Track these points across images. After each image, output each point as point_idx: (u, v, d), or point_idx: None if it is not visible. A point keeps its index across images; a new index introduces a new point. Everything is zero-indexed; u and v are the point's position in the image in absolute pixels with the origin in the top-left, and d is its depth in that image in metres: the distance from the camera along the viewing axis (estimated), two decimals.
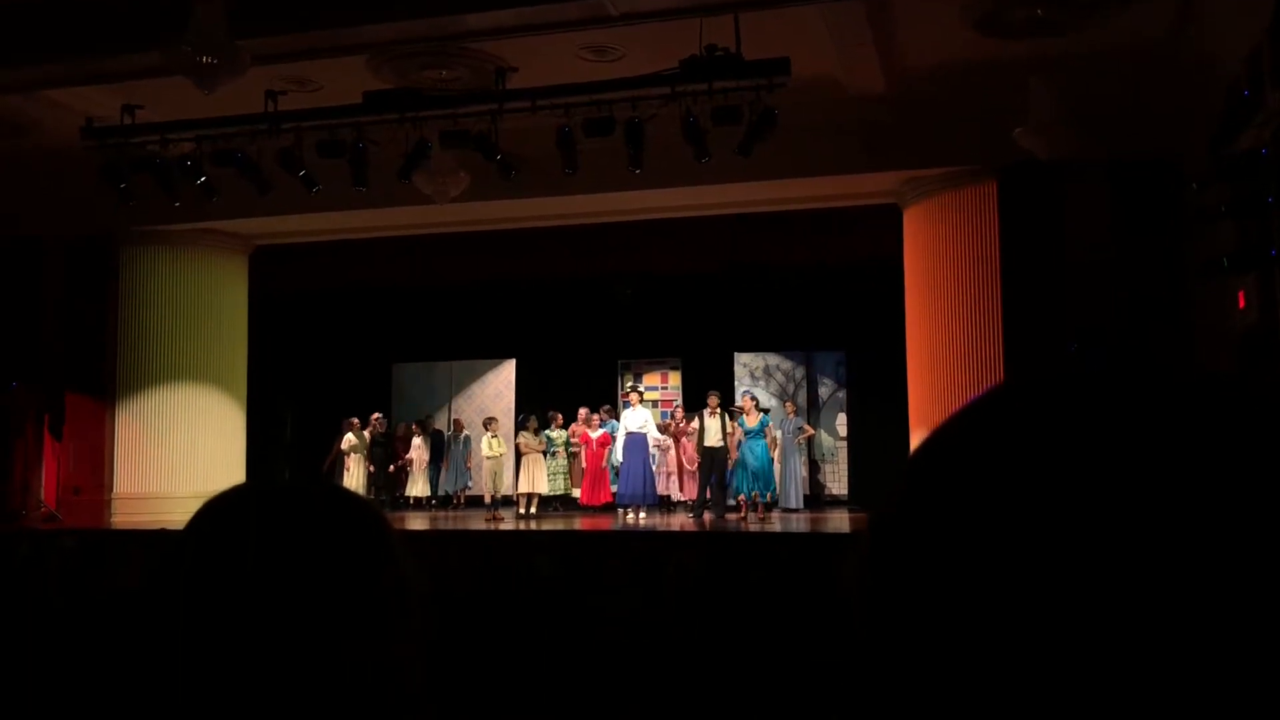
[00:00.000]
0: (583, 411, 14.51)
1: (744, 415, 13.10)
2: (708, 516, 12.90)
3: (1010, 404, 0.50)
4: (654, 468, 14.12)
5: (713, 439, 13.19)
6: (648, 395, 17.51)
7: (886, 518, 0.51)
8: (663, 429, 14.92)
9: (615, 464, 14.78)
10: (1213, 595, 0.42)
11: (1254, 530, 0.42)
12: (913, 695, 0.46)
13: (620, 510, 13.51)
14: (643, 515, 13.16)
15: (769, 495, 13.13)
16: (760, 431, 12.95)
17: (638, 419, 13.65)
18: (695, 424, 13.56)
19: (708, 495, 13.27)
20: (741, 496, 12.95)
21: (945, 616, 0.46)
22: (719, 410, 13.23)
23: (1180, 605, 0.42)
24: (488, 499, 14.27)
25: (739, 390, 15.67)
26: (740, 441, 13.06)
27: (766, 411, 14.71)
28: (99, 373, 13.09)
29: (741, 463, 12.93)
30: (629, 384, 14.05)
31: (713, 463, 13.21)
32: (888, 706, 0.47)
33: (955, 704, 0.45)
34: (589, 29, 9.15)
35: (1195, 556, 0.42)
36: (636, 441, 13.43)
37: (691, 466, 14.36)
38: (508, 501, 14.12)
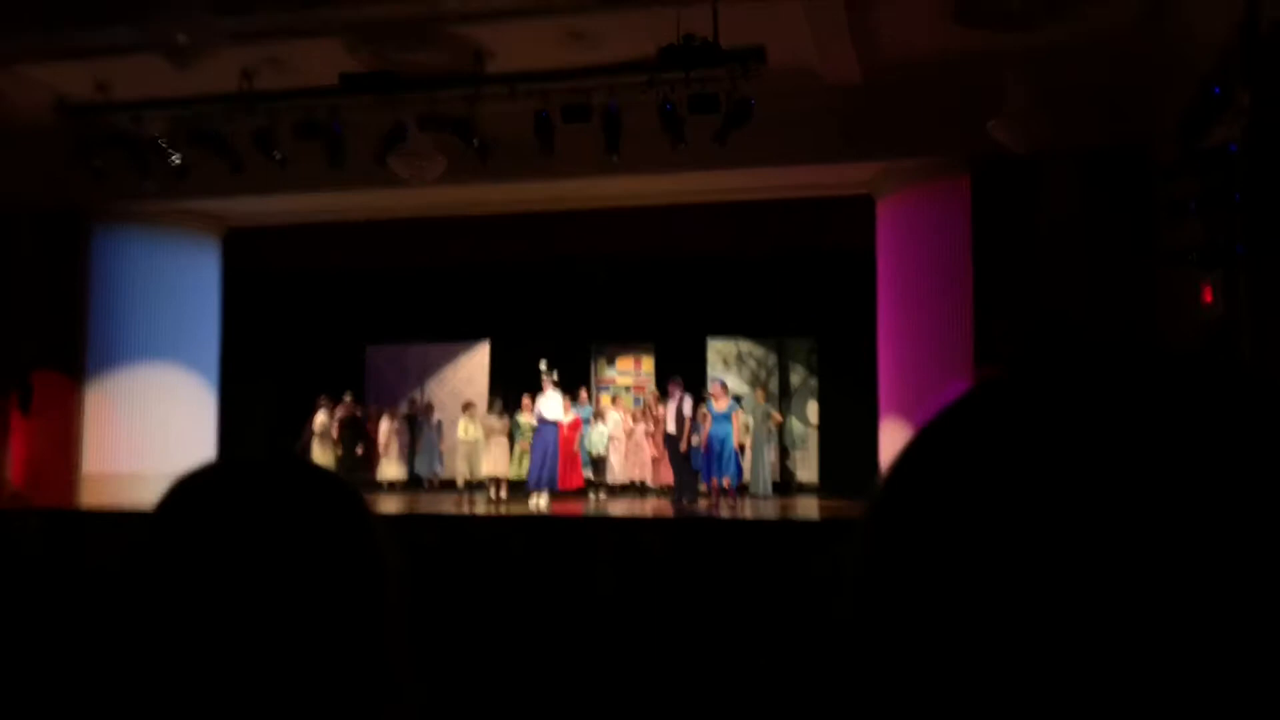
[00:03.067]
0: (526, 399, 14.25)
1: (713, 400, 13.11)
2: (686, 501, 12.91)
3: (1000, 396, 0.50)
4: (605, 452, 14.20)
5: (670, 425, 13.24)
6: (620, 380, 17.52)
7: (883, 512, 0.50)
8: (638, 415, 14.92)
9: (589, 449, 14.78)
10: (1215, 585, 0.41)
11: (1246, 513, 0.42)
12: (907, 688, 0.46)
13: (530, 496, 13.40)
14: (543, 503, 13.13)
15: (736, 481, 13.10)
16: (728, 417, 12.96)
17: (550, 406, 13.51)
18: (664, 409, 13.51)
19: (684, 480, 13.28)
20: (714, 481, 12.95)
21: (944, 611, 0.45)
22: (679, 396, 13.21)
23: (1184, 595, 0.42)
24: (460, 483, 14.21)
25: (710, 376, 15.69)
26: (708, 428, 13.06)
27: (738, 399, 14.74)
28: (69, 350, 12.94)
29: (710, 448, 12.94)
30: (543, 366, 13.84)
31: (673, 449, 13.24)
32: (879, 698, 0.47)
33: (951, 697, 0.44)
34: (568, 15, 9.12)
35: (1197, 550, 0.42)
36: (545, 429, 13.35)
37: (656, 453, 14.37)
38: (481, 486, 14.07)
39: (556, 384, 13.61)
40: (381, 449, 16.01)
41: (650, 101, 9.46)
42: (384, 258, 15.28)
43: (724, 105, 9.35)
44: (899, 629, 0.46)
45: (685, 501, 12.85)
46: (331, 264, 15.53)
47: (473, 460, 14.10)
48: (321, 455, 14.91)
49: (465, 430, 14.21)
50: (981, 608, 0.44)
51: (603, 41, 9.84)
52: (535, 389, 13.88)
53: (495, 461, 13.81)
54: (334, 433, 15.24)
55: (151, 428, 12.89)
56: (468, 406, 14.52)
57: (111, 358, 12.97)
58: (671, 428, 13.19)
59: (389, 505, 13.60)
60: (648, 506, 12.84)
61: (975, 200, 10.79)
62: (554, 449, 13.40)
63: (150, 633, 0.88)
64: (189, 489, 0.95)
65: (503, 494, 13.82)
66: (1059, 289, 10.20)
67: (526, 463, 13.96)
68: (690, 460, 13.13)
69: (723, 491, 12.88)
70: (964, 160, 10.70)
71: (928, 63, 10.12)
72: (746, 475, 14.27)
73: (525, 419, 14.11)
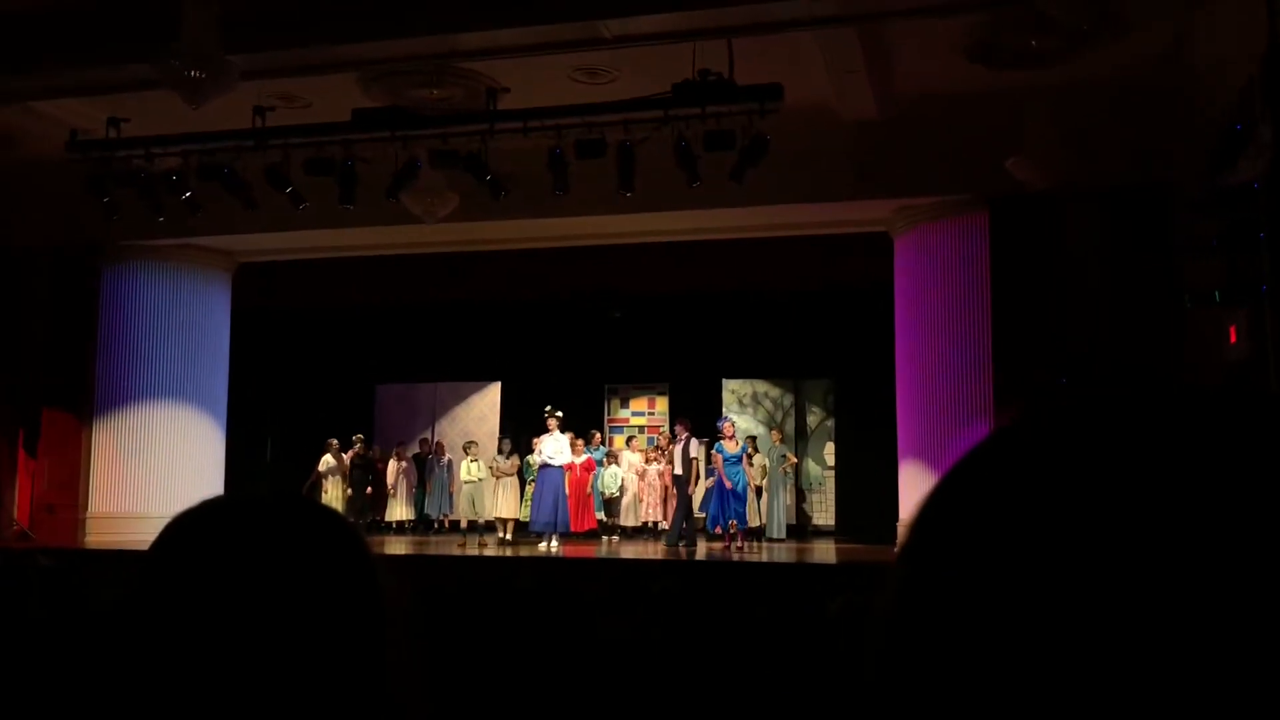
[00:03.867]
0: (537, 440, 14.17)
1: (723, 441, 13.06)
2: (682, 548, 12.79)
3: (1031, 437, 0.49)
4: (618, 493, 14.15)
5: (678, 466, 13.17)
6: (634, 420, 17.49)
7: (913, 560, 0.49)
8: (651, 456, 14.87)
9: (601, 490, 14.73)
10: (1265, 637, 0.40)
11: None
12: None
13: (539, 539, 13.31)
14: (554, 544, 13.04)
15: (744, 524, 12.97)
16: (739, 459, 12.89)
17: (554, 447, 13.36)
18: (676, 449, 13.44)
19: (683, 525, 13.21)
20: (726, 524, 12.86)
21: (980, 665, 0.44)
22: (685, 438, 13.15)
23: (1231, 646, 0.40)
24: (464, 524, 14.16)
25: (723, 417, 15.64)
26: (718, 470, 12.99)
27: (754, 439, 14.68)
28: (78, 388, 13.00)
29: (719, 490, 12.87)
30: (548, 408, 13.71)
31: (681, 492, 13.17)
32: None
33: None
34: (582, 50, 9.19)
35: (1243, 602, 0.41)
36: (549, 471, 13.23)
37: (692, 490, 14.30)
38: (490, 528, 14.01)
39: (561, 424, 13.51)
40: (390, 489, 15.99)
41: (665, 138, 9.50)
42: (395, 295, 15.35)
43: (739, 142, 9.38)
44: (932, 683, 0.45)
45: (681, 546, 12.74)
46: (342, 301, 15.61)
47: (476, 501, 14.06)
48: (332, 496, 14.90)
49: (468, 471, 14.17)
50: (1020, 660, 0.43)
51: (617, 77, 9.92)
52: (542, 429, 13.84)
53: (504, 503, 13.76)
54: (344, 473, 15.24)
55: (158, 468, 12.91)
56: (469, 447, 14.49)
57: (120, 396, 13.02)
58: (678, 469, 13.13)
59: (396, 546, 13.57)
60: (660, 549, 12.75)
61: (994, 238, 10.78)
62: (562, 491, 13.33)
63: (144, 674, 0.87)
64: (186, 527, 0.94)
65: (508, 535, 13.74)
66: (1081, 328, 10.16)
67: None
68: (687, 504, 13.07)
69: (732, 535, 12.80)
70: (983, 197, 10.70)
71: (945, 98, 10.16)
72: (761, 518, 14.20)
73: (536, 460, 14.07)
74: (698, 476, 13.26)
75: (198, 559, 0.90)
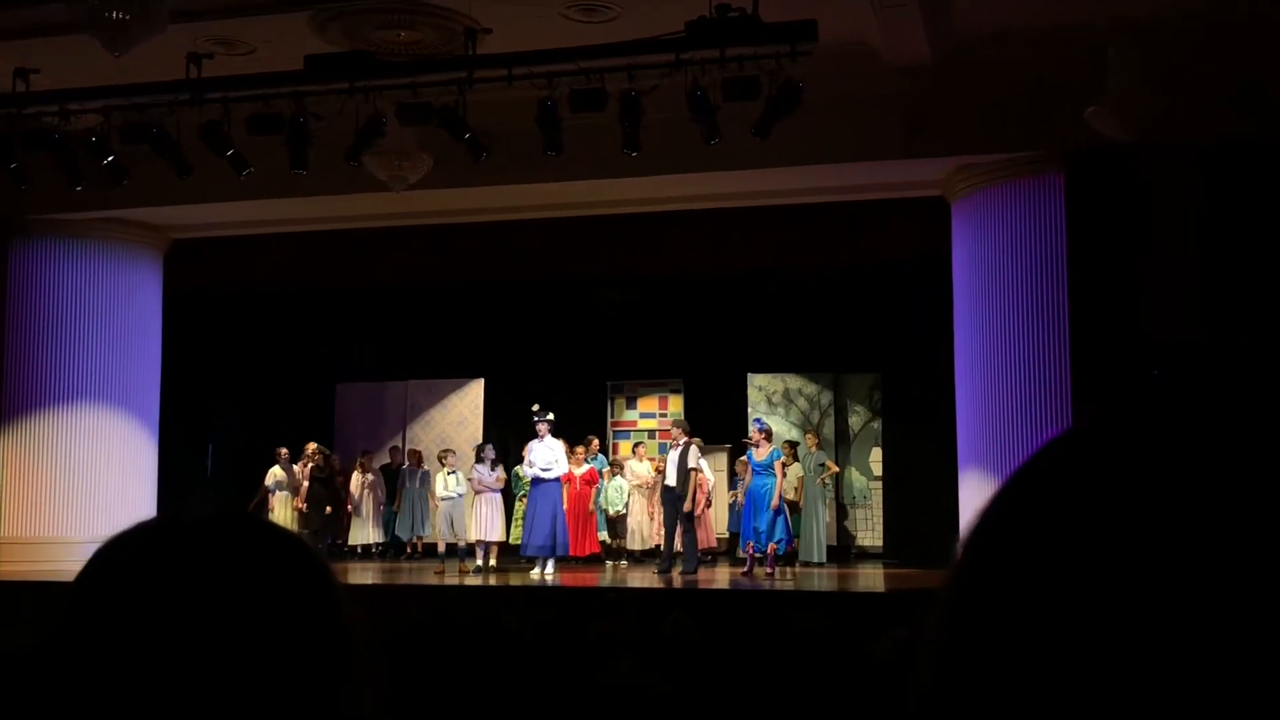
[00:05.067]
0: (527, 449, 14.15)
1: (752, 449, 13.08)
2: (676, 575, 12.80)
3: (1107, 443, 0.48)
4: (623, 510, 14.16)
5: (671, 477, 13.16)
6: (642, 424, 17.51)
7: (963, 587, 0.49)
8: (661, 467, 14.88)
9: (604, 506, 14.74)
10: None
11: None
12: None
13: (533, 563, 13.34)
14: (549, 570, 13.05)
15: (777, 545, 12.97)
16: (769, 467, 12.91)
17: (547, 456, 13.32)
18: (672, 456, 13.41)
19: (675, 547, 13.23)
20: (751, 545, 12.88)
21: (1042, 709, 0.44)
22: (684, 443, 13.14)
23: None
24: (442, 547, 14.18)
25: (751, 420, 15.66)
26: (747, 481, 13.03)
27: (794, 446, 14.69)
28: None
29: (748, 505, 12.90)
30: (535, 408, 13.65)
31: (673, 507, 13.18)
32: None
33: None
34: None
35: None
36: (543, 486, 13.23)
37: (695, 510, 14.32)
38: (472, 551, 14.02)
39: (553, 428, 13.46)
40: (354, 507, 16.03)
41: (677, 87, 9.49)
42: (357, 277, 15.37)
43: (766, 90, 9.37)
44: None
45: (682, 573, 12.76)
46: (294, 285, 15.62)
47: (455, 520, 14.07)
48: (282, 515, 14.94)
49: (445, 485, 14.18)
50: (1091, 706, 0.43)
51: (619, 14, 9.91)
52: (534, 435, 13.80)
53: (485, 522, 13.70)
54: (298, 489, 15.28)
55: (78, 483, 12.95)
56: (445, 456, 14.49)
57: (31, 399, 13.06)
58: (672, 480, 13.12)
59: (362, 575, 13.60)
60: (676, 576, 12.79)
61: (1071, 202, 10.76)
62: (559, 508, 13.33)
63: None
64: (117, 553, 0.95)
65: (492, 561, 13.73)
66: (1175, 309, 10.14)
67: None
68: (684, 522, 13.11)
69: (761, 558, 12.82)
70: (1058, 154, 10.68)
71: (1012, 39, 10.13)
72: (796, 540, 14.21)
73: (526, 472, 14.03)
74: (695, 491, 13.21)
75: (131, 593, 0.91)
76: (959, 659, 0.48)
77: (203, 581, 0.91)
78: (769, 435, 13.40)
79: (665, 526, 13.75)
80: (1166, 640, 0.43)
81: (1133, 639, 0.43)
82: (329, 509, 15.75)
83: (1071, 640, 0.44)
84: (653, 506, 14.79)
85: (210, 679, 0.87)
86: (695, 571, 12.91)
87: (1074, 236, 10.75)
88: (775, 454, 13.18)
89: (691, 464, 13.04)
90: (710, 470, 14.86)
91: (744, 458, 13.18)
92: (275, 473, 15.18)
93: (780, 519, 12.98)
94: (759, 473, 12.90)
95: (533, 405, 13.66)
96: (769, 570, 12.74)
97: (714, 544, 15.06)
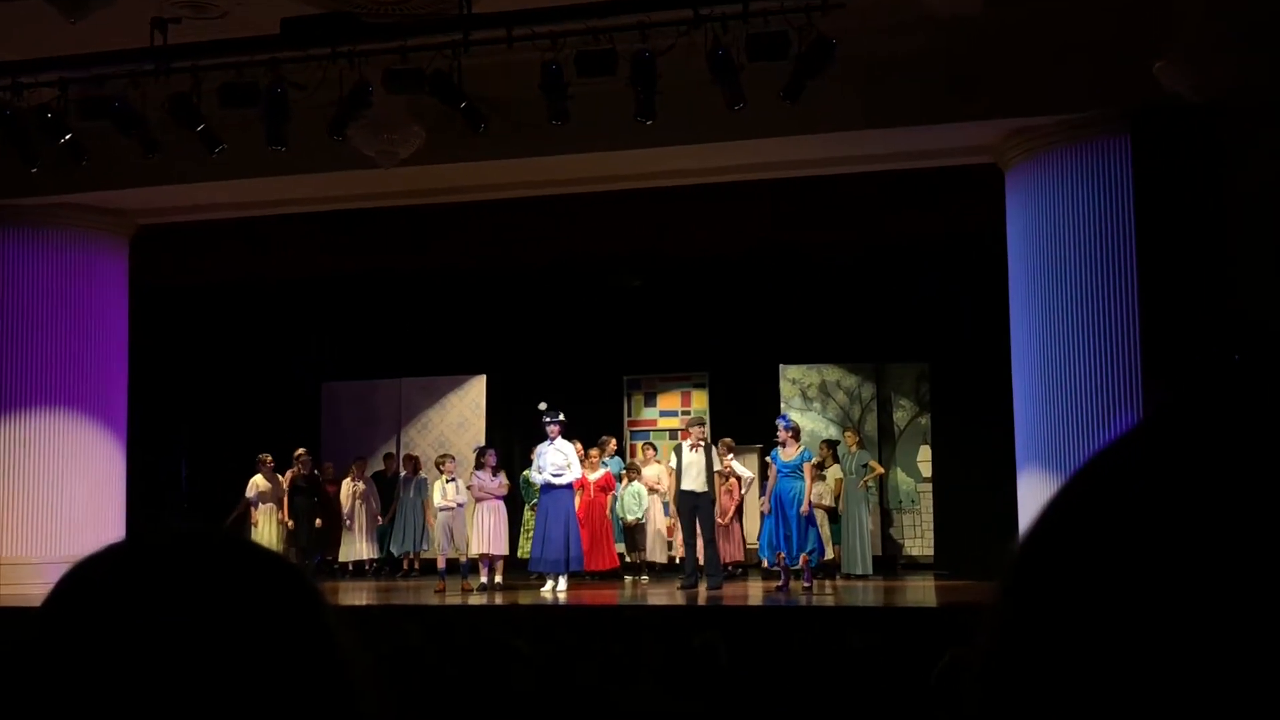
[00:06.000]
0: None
1: (779, 448, 13.08)
2: (702, 589, 12.82)
3: (1180, 434, 0.48)
4: (642, 518, 14.26)
5: (692, 481, 13.15)
6: (662, 423, 17.52)
7: (1018, 597, 0.49)
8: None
9: (621, 515, 14.76)
10: None
11: None
12: None
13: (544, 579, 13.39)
14: (562, 587, 13.07)
15: (809, 555, 12.95)
16: (797, 469, 12.91)
17: (558, 460, 13.33)
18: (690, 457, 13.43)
19: (698, 558, 13.25)
20: (782, 555, 12.88)
21: None
22: (702, 443, 13.16)
23: None
24: (442, 563, 14.23)
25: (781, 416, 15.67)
26: (773, 483, 13.04)
27: (835, 445, 14.71)
28: None
29: (773, 511, 12.91)
30: (543, 407, 13.64)
31: (694, 513, 13.19)
32: None
33: None
34: None
35: None
36: (554, 493, 13.29)
37: (724, 520, 14.33)
38: (475, 567, 14.06)
39: (564, 429, 13.49)
40: (345, 520, 16.08)
41: (696, 46, 9.49)
42: (344, 264, 15.40)
43: (795, 48, 9.36)
44: None
45: (708, 588, 12.79)
46: (274, 274, 15.67)
47: (455, 533, 14.10)
48: (267, 530, 14.99)
49: (444, 493, 14.21)
50: None
51: None
52: (542, 437, 13.82)
53: (488, 534, 13.73)
54: (281, 500, 15.33)
55: (37, 497, 13.00)
56: (444, 462, 14.52)
57: None
58: (689, 484, 13.13)
59: (355, 595, 13.65)
60: (703, 591, 12.81)
61: (1138, 167, 10.72)
62: (572, 517, 13.37)
63: None
64: (85, 578, 0.96)
65: (498, 577, 13.77)
66: (1256, 284, 10.10)
67: None
68: (710, 529, 13.15)
69: (794, 570, 12.82)
70: (1123, 115, 10.65)
71: None
72: (834, 550, 14.21)
73: (535, 478, 14.06)
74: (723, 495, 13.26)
75: (102, 622, 0.92)
76: (1010, 681, 0.48)
77: (176, 612, 0.91)
78: (797, 434, 13.39)
79: (685, 536, 13.77)
80: (1249, 667, 0.42)
81: (1212, 662, 0.43)
82: (319, 522, 15.81)
83: (1139, 663, 0.44)
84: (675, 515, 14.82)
85: (183, 713, 0.88)
86: (720, 586, 12.92)
87: (1142, 206, 10.71)
88: (805, 454, 13.18)
89: (717, 467, 13.06)
90: (745, 469, 14.90)
91: (769, 458, 13.17)
92: (257, 482, 15.22)
93: (812, 527, 12.98)
94: (785, 475, 12.89)
95: (541, 404, 13.68)
96: (805, 584, 12.75)
97: (741, 556, 15.09)
